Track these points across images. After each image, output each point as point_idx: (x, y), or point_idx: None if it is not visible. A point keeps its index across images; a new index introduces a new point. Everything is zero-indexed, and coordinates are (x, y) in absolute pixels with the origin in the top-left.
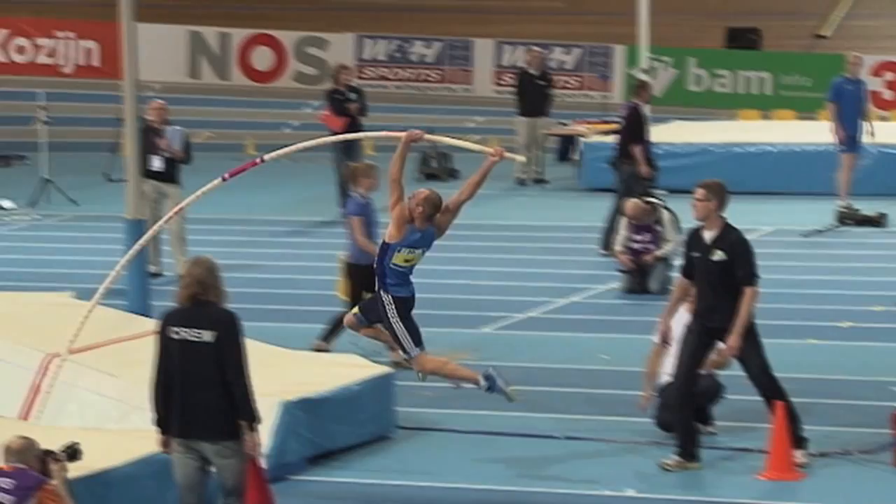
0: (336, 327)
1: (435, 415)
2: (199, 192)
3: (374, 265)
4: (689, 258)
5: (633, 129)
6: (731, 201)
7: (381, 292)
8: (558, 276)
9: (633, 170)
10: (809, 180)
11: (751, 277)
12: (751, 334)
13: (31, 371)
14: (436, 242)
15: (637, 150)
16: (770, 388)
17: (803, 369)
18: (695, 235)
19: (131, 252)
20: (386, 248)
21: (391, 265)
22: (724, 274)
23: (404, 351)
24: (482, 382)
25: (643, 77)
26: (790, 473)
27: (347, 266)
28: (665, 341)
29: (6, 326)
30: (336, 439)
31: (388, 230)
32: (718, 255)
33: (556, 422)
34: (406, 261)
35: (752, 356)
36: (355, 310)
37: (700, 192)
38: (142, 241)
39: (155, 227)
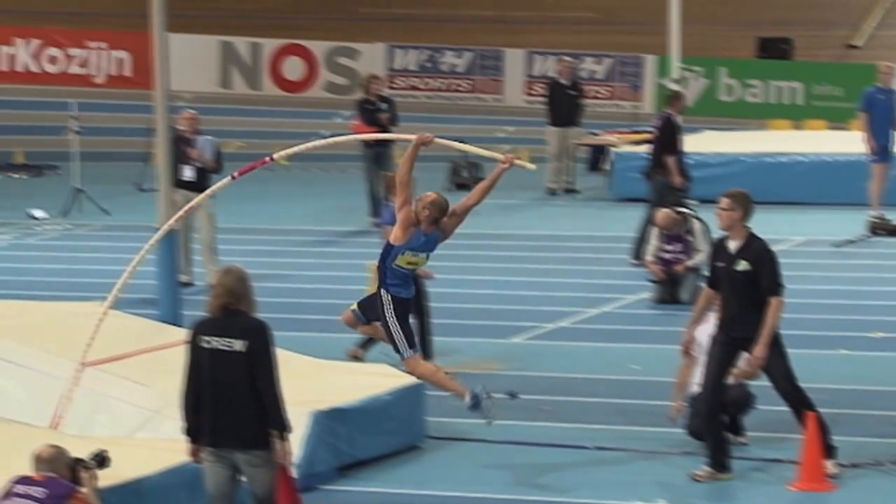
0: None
1: (465, 425)
2: (207, 192)
3: (378, 264)
4: (713, 268)
5: (667, 139)
6: (762, 211)
7: (381, 291)
8: (588, 286)
9: (666, 180)
10: (841, 190)
11: (776, 287)
12: (776, 345)
13: (63, 380)
14: (468, 253)
15: (670, 161)
16: (796, 399)
17: (834, 380)
18: (720, 245)
19: (140, 254)
20: (389, 250)
21: (394, 266)
22: (748, 284)
23: (398, 351)
24: (467, 398)
25: (675, 87)
26: (822, 484)
27: None
28: (687, 351)
29: (38, 336)
30: (366, 449)
31: (393, 232)
32: (743, 266)
33: (585, 432)
34: (409, 263)
35: (778, 367)
36: (354, 306)
37: (725, 202)
38: (151, 243)
39: (164, 229)
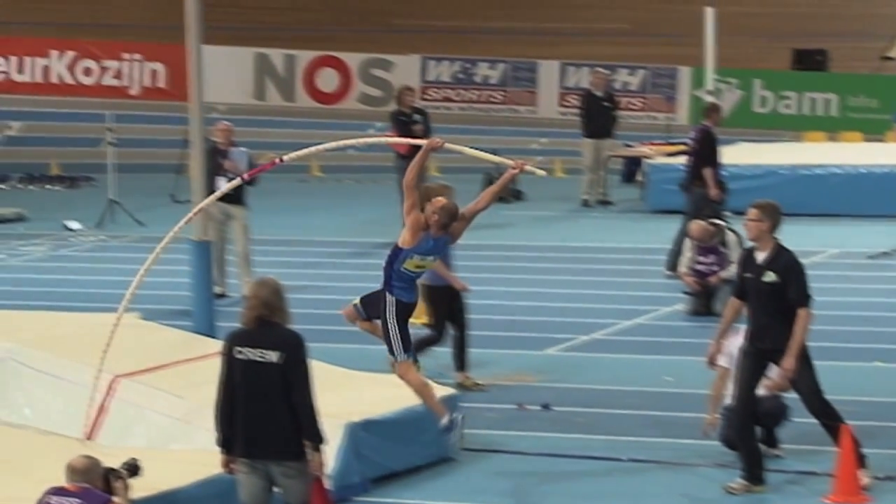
0: (419, 347)
1: (499, 436)
2: (217, 193)
3: (384, 266)
4: (741, 279)
5: (705, 151)
6: (797, 223)
7: (386, 293)
8: (623, 298)
9: (703, 192)
10: (876, 202)
11: (804, 299)
12: (804, 358)
13: (99, 392)
14: (502, 264)
15: (708, 173)
16: (823, 413)
17: (869, 392)
18: (748, 256)
19: (151, 257)
20: (398, 253)
21: (401, 269)
22: (775, 295)
23: (392, 353)
24: (444, 420)
25: (711, 99)
26: (857, 497)
27: (424, 288)
28: (712, 362)
29: (73, 347)
30: (400, 460)
31: (402, 235)
32: (770, 277)
33: (619, 444)
34: (417, 266)
35: (805, 380)
36: (356, 301)
37: (753, 213)
38: (161, 245)
39: (174, 229)
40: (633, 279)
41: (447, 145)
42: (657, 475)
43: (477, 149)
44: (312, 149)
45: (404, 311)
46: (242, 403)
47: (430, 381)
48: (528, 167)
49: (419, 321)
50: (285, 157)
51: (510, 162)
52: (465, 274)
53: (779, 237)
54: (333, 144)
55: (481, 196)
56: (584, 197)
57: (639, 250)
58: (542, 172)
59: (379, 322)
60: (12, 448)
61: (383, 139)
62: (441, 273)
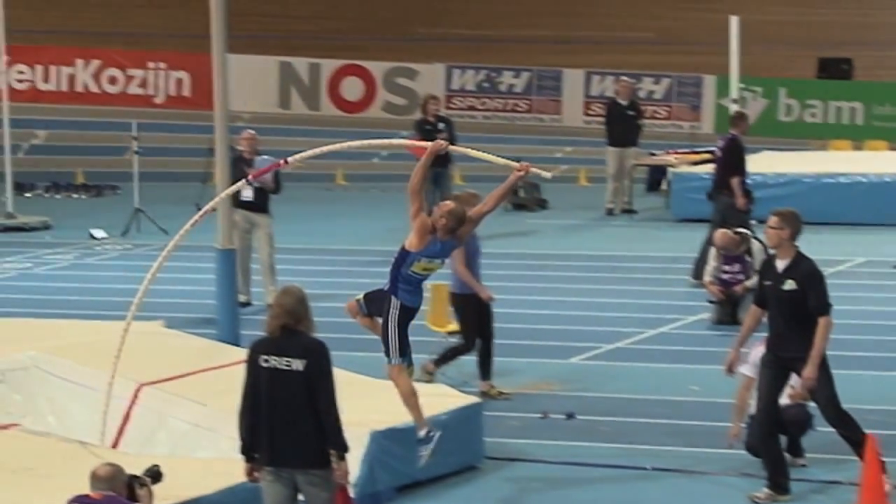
0: (449, 356)
1: (523, 445)
2: (222, 195)
3: (390, 269)
4: (761, 287)
5: (732, 160)
6: (822, 232)
7: (391, 296)
8: (647, 307)
9: (731, 201)
10: None
11: (824, 307)
12: (822, 367)
13: (123, 400)
14: (526, 273)
15: (735, 182)
16: (838, 421)
17: (892, 401)
18: (768, 264)
19: (157, 263)
20: (405, 256)
21: (409, 272)
22: (794, 304)
23: (387, 355)
24: (422, 432)
25: (736, 107)
26: None
27: (452, 297)
28: (730, 370)
29: (98, 355)
30: (424, 469)
31: (409, 238)
32: (789, 285)
33: (644, 453)
34: (424, 269)
35: (822, 388)
36: (360, 296)
37: (773, 220)
38: (164, 254)
39: (184, 229)
40: (657, 288)
41: (451, 147)
42: (681, 484)
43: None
44: (316, 150)
45: (407, 316)
46: (267, 412)
47: (417, 390)
48: (533, 169)
49: (442, 329)
50: (290, 160)
51: (515, 164)
52: (490, 282)
53: (799, 245)
54: (336, 146)
55: (487, 198)
56: (609, 205)
57: (663, 259)
58: (548, 174)
59: (379, 320)
60: (36, 456)
61: (386, 142)
62: (467, 282)
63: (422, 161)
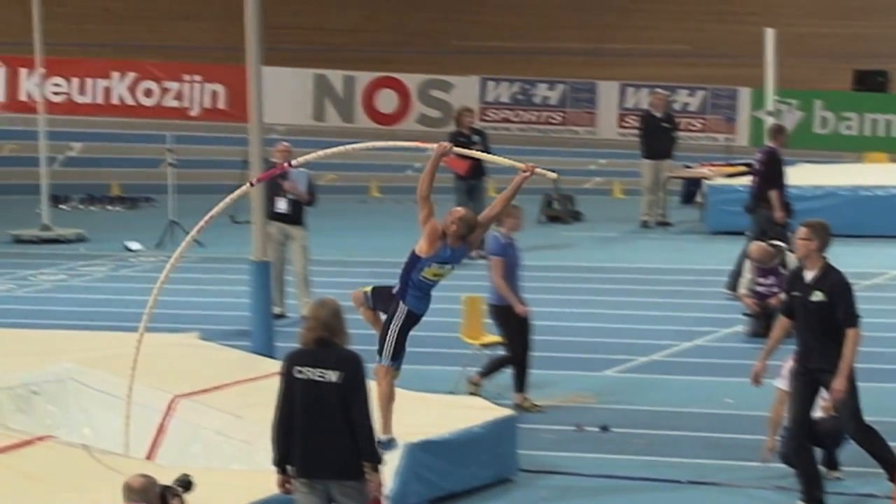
0: (495, 367)
1: (557, 458)
2: (227, 199)
3: (400, 273)
4: (790, 297)
5: (770, 173)
6: (857, 244)
7: (400, 301)
8: (682, 319)
9: (769, 214)
10: None
11: (852, 319)
12: (849, 378)
13: (158, 412)
14: (561, 285)
15: (774, 195)
16: (859, 435)
17: None
18: (796, 275)
19: (164, 272)
20: (416, 261)
21: (420, 277)
22: (822, 315)
23: (379, 353)
24: (383, 437)
25: (771, 119)
26: None
27: (492, 308)
28: (756, 380)
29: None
30: (458, 481)
31: (419, 243)
32: (817, 296)
33: (679, 466)
34: (434, 275)
35: (846, 402)
36: (368, 289)
37: (802, 231)
38: (171, 263)
39: (195, 231)
40: (692, 300)
41: (455, 150)
42: (716, 497)
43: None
44: (321, 153)
45: (411, 322)
46: (301, 423)
47: (395, 396)
48: (538, 170)
49: (476, 341)
50: (293, 162)
51: (521, 165)
52: (524, 295)
53: (828, 257)
54: (342, 149)
55: (494, 202)
56: (644, 218)
57: (698, 271)
58: (553, 175)
59: (382, 317)
60: (71, 467)
61: (392, 144)
62: (504, 294)
63: (429, 166)
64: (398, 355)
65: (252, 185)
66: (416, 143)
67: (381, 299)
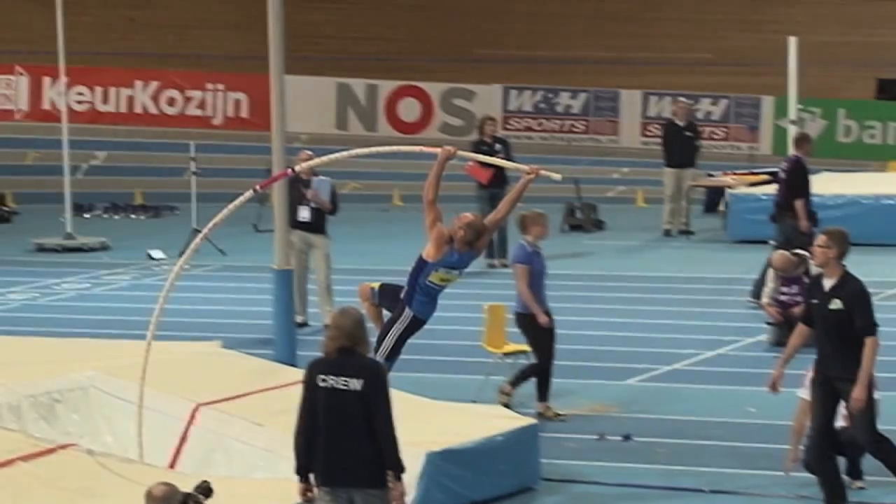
0: (525, 376)
1: (579, 466)
2: (231, 206)
3: (407, 277)
4: (808, 305)
5: (796, 182)
6: (880, 253)
7: (406, 307)
8: (705, 328)
9: (795, 223)
10: None
11: (870, 328)
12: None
13: (180, 420)
14: (583, 294)
15: (800, 205)
16: (871, 445)
17: None
18: (815, 283)
19: (169, 281)
20: (423, 265)
21: (427, 282)
22: (840, 323)
23: (374, 351)
24: None
25: (795, 128)
26: None
27: (518, 317)
28: (774, 388)
29: (155, 375)
30: (480, 490)
31: (426, 248)
32: (835, 304)
33: (701, 475)
34: (442, 280)
35: (863, 409)
36: (376, 284)
37: (821, 239)
38: (175, 272)
39: (198, 238)
40: (714, 309)
41: (459, 153)
42: None
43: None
44: (324, 158)
45: (414, 328)
46: (324, 431)
47: None
48: (542, 172)
49: (498, 350)
50: (296, 168)
51: (525, 168)
52: (549, 303)
53: (847, 265)
54: (345, 154)
55: (500, 205)
56: (666, 226)
57: (720, 280)
58: (557, 176)
59: (386, 315)
60: (94, 476)
61: (395, 148)
62: (527, 303)
63: (434, 171)
64: (393, 357)
65: (256, 191)
66: (420, 148)
67: (387, 297)
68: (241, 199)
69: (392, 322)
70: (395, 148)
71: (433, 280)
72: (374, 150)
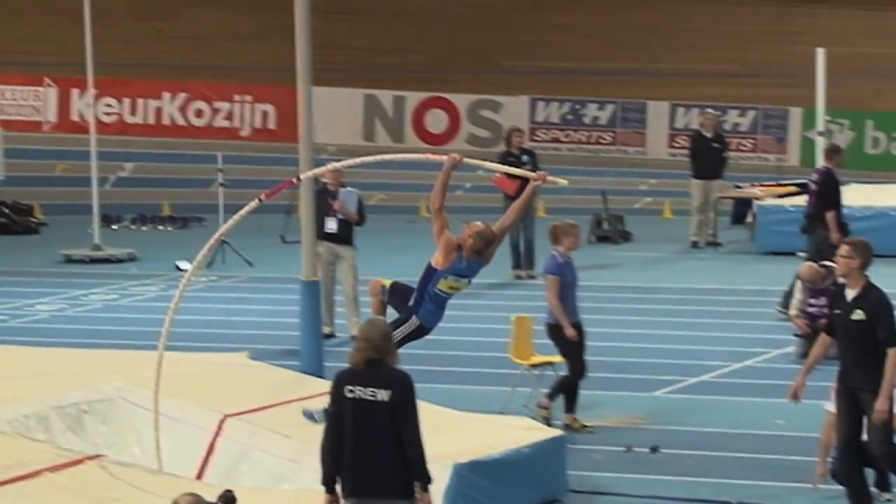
0: (561, 388)
1: (606, 478)
2: (236, 217)
3: (417, 284)
4: (831, 315)
5: (827, 193)
6: None
7: (413, 314)
8: (732, 340)
9: (826, 235)
10: None
11: (892, 338)
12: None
13: (207, 431)
14: (611, 306)
15: (830, 217)
16: (887, 457)
17: None
18: (838, 293)
19: (178, 290)
20: (432, 273)
21: (435, 290)
22: (863, 334)
23: None
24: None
25: (823, 140)
26: None
27: (549, 328)
28: (795, 397)
29: (182, 387)
30: (507, 502)
31: (434, 256)
32: (858, 315)
33: (728, 487)
34: (450, 288)
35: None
36: (387, 282)
37: (844, 249)
38: (184, 281)
39: (205, 249)
40: (742, 321)
41: (465, 160)
42: None
43: (585, 190)
44: (330, 166)
45: (418, 335)
46: (351, 442)
47: None
48: (549, 178)
49: (525, 362)
50: (301, 177)
51: (532, 174)
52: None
53: (869, 275)
54: (351, 162)
55: (508, 212)
56: (693, 238)
57: (748, 292)
58: (564, 181)
59: (392, 315)
60: (120, 487)
61: (399, 157)
62: (556, 314)
63: (441, 178)
64: None
65: (260, 200)
66: (427, 156)
67: (396, 297)
68: (246, 209)
69: (396, 325)
70: (399, 157)
71: (442, 288)
72: (375, 158)
